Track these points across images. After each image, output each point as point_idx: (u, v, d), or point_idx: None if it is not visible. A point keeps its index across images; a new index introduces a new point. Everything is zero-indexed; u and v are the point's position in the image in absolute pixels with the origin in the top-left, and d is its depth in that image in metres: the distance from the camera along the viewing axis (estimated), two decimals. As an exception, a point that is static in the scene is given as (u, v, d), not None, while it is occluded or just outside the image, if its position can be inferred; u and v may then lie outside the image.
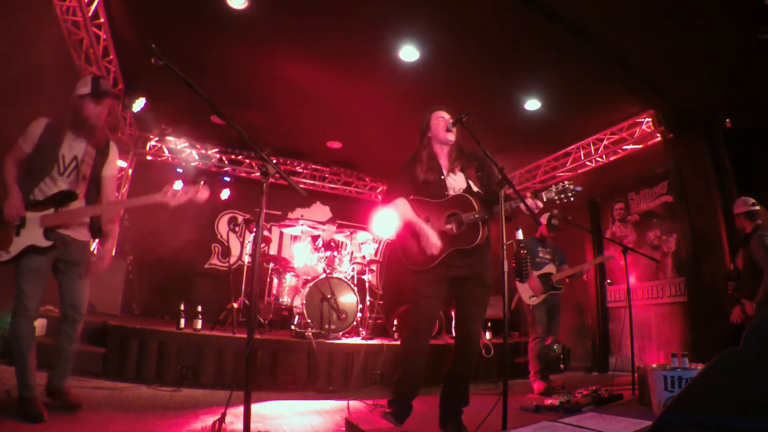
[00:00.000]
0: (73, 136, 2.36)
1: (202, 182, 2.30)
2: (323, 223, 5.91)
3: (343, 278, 4.91)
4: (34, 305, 2.27)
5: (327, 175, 7.89)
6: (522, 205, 2.24)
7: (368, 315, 5.24)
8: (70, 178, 2.35)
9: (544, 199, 2.27)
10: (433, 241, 2.32)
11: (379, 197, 2.78)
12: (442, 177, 2.47)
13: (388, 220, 2.65)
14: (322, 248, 5.37)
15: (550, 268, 4.20)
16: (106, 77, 2.46)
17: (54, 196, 2.30)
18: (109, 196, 2.52)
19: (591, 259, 5.90)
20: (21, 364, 2.23)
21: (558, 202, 2.25)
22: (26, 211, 2.25)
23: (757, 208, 3.46)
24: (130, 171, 6.66)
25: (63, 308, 2.42)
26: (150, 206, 2.32)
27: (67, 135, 2.35)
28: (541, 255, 4.25)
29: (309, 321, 4.49)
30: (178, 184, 2.34)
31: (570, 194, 2.22)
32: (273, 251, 7.35)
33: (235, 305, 4.53)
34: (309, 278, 4.99)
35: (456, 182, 2.47)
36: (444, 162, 2.53)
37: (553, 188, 2.25)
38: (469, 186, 2.46)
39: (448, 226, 2.36)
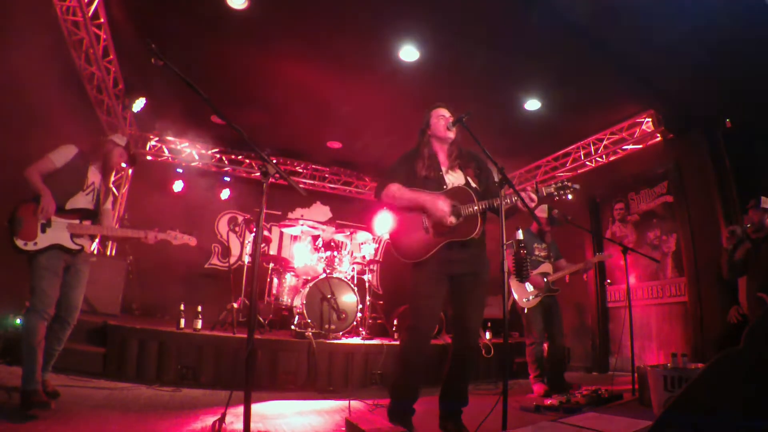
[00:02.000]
0: (94, 167, 2.81)
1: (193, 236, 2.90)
2: (323, 223, 5.91)
3: (343, 278, 4.91)
4: (51, 306, 2.49)
5: (327, 175, 7.89)
6: (520, 203, 2.25)
7: (368, 315, 5.24)
8: (88, 198, 2.76)
9: (544, 194, 2.30)
10: (441, 206, 2.28)
11: (377, 192, 2.77)
12: (441, 173, 2.47)
13: (386, 216, 2.64)
14: (322, 248, 5.37)
15: (545, 268, 4.08)
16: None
17: (80, 210, 2.69)
18: (109, 225, 2.92)
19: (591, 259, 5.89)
20: (31, 359, 2.38)
21: (557, 197, 2.28)
22: (55, 215, 2.57)
23: None
24: (130, 171, 6.66)
25: (58, 310, 2.57)
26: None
27: (91, 165, 2.79)
28: (536, 252, 4.12)
29: (309, 321, 4.49)
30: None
31: (569, 191, 2.27)
32: (273, 251, 7.35)
33: (235, 305, 4.54)
34: (309, 278, 4.99)
35: (455, 179, 2.47)
36: (443, 159, 2.53)
37: (553, 184, 2.30)
38: (468, 182, 2.45)
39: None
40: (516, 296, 4.06)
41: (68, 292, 2.63)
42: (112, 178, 2.97)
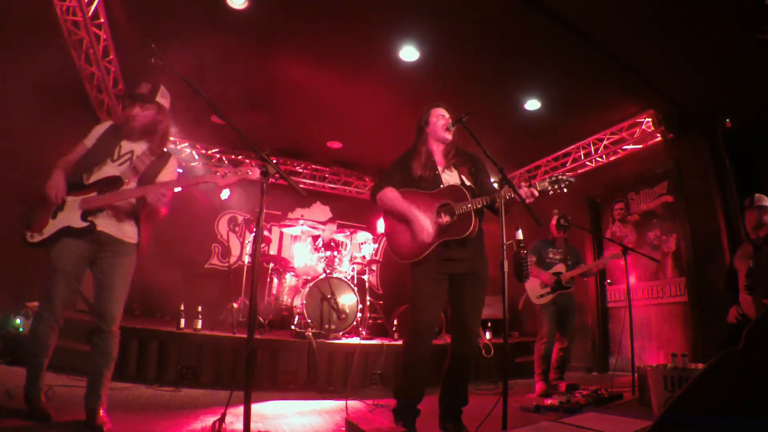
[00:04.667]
0: (133, 136, 2.37)
1: (248, 163, 2.23)
2: (323, 223, 5.91)
3: (343, 278, 4.91)
4: (56, 310, 2.16)
5: (327, 175, 7.89)
6: (516, 197, 2.23)
7: (368, 315, 5.24)
8: (122, 167, 2.28)
9: (538, 188, 2.28)
10: (425, 226, 2.29)
11: (372, 194, 2.79)
12: (437, 172, 2.47)
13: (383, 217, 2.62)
14: (322, 248, 5.37)
15: (559, 268, 4.14)
16: (147, 83, 2.43)
17: (100, 181, 2.23)
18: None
19: (591, 258, 5.91)
20: (32, 364, 2.19)
21: (551, 192, 2.25)
22: (69, 195, 2.18)
23: None
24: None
25: (94, 317, 2.22)
26: (200, 185, 2.34)
27: (129, 134, 2.37)
28: (551, 255, 4.21)
29: (309, 321, 4.49)
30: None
31: (563, 184, 2.23)
32: (273, 251, 7.35)
33: (235, 305, 4.54)
34: (309, 278, 4.99)
35: (450, 178, 2.47)
36: (439, 159, 2.54)
37: (547, 179, 2.27)
38: (462, 180, 2.46)
39: (440, 218, 2.36)
40: (530, 292, 4.17)
41: (97, 293, 2.22)
42: (170, 156, 2.43)
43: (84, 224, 2.16)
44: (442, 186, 2.42)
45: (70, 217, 2.16)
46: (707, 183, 4.77)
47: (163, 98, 2.46)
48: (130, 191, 2.23)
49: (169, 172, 2.40)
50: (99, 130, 2.36)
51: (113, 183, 2.23)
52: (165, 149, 2.45)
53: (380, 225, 7.43)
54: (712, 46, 3.88)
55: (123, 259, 2.26)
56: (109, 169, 2.26)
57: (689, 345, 4.69)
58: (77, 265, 2.19)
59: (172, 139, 6.78)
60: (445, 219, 2.33)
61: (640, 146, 5.65)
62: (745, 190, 4.30)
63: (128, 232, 2.30)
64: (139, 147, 2.36)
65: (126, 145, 2.34)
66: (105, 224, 2.22)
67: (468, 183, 2.45)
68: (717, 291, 4.24)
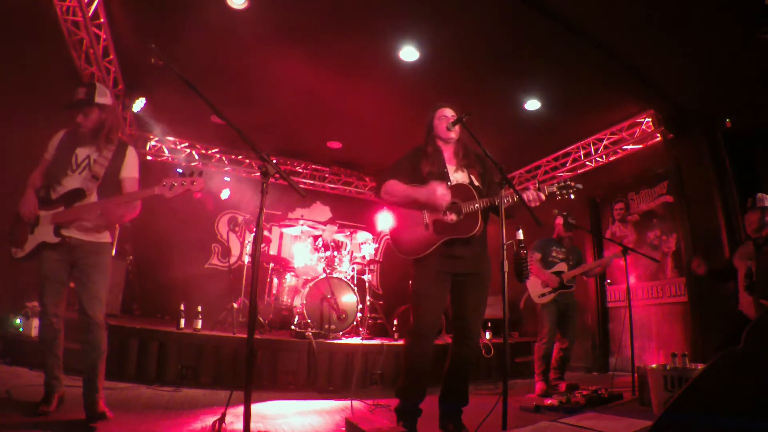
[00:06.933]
0: (85, 141, 2.44)
1: (197, 173, 2.34)
2: (324, 223, 5.90)
3: (343, 278, 4.90)
4: (50, 310, 2.33)
5: (327, 175, 7.88)
6: (524, 197, 2.25)
7: (368, 315, 5.24)
8: (82, 176, 2.38)
9: (546, 192, 2.30)
10: (439, 192, 2.29)
11: (377, 189, 2.79)
12: (445, 170, 2.48)
13: (387, 213, 2.63)
14: (322, 248, 5.37)
15: (561, 267, 4.13)
16: (83, 88, 2.45)
17: (65, 195, 2.34)
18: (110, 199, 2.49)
19: (591, 259, 5.90)
20: (43, 358, 2.36)
21: (559, 197, 2.28)
22: (41, 210, 2.32)
23: None
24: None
25: (78, 313, 2.36)
26: (149, 199, 2.36)
27: (82, 140, 2.44)
28: (553, 254, 4.20)
29: (309, 321, 4.48)
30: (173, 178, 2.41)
31: (571, 190, 2.28)
32: (273, 251, 7.35)
33: (235, 305, 4.54)
34: (309, 278, 4.99)
35: (458, 178, 2.48)
36: (449, 158, 2.55)
37: (555, 184, 2.30)
38: (471, 180, 2.47)
39: (447, 216, 2.36)
40: (531, 292, 4.15)
41: (79, 293, 2.35)
42: (126, 149, 2.49)
43: (56, 239, 2.30)
44: (450, 183, 2.42)
45: (45, 231, 2.30)
46: (707, 183, 4.77)
47: (103, 97, 2.45)
48: (93, 205, 2.34)
49: (130, 166, 2.49)
50: (54, 140, 2.45)
51: (77, 196, 2.34)
52: (119, 143, 2.50)
53: (380, 225, 7.42)
54: (712, 46, 3.88)
55: (97, 257, 2.40)
56: (71, 181, 2.36)
57: (689, 345, 4.69)
58: (59, 269, 2.34)
59: (171, 138, 6.80)
60: (451, 217, 2.34)
61: (640, 146, 5.65)
62: (745, 190, 4.30)
63: (99, 233, 2.43)
64: (94, 151, 2.44)
65: (81, 152, 2.42)
66: (76, 231, 2.35)
67: (477, 183, 2.47)
68: (717, 291, 4.24)
